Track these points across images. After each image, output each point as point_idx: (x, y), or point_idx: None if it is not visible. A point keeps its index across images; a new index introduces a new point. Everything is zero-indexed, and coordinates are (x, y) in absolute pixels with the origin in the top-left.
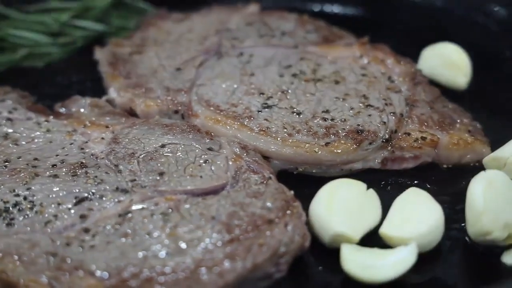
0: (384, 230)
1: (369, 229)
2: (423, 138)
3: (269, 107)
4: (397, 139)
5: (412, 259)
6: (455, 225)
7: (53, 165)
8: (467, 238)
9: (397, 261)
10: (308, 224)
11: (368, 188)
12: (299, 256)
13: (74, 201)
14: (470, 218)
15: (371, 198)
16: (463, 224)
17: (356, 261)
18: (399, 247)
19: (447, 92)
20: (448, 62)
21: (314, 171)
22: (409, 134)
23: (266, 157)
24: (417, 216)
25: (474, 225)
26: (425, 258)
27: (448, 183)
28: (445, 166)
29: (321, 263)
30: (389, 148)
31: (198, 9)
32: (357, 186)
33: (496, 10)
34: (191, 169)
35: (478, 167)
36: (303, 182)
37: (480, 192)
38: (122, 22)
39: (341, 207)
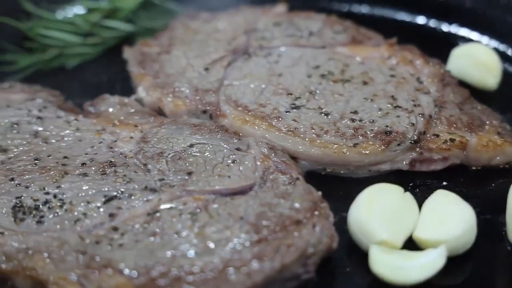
0: (417, 233)
1: (409, 234)
2: (452, 140)
3: (297, 107)
4: (426, 140)
5: (441, 261)
6: (487, 228)
7: (83, 164)
8: (507, 244)
9: (426, 263)
10: (346, 229)
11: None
12: (327, 257)
13: (103, 199)
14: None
15: (409, 202)
16: (497, 227)
17: (385, 262)
18: (428, 249)
19: (476, 93)
20: (477, 62)
21: (342, 171)
22: (437, 135)
23: (294, 158)
24: (449, 218)
25: None
26: (458, 261)
27: (477, 184)
28: (474, 168)
29: (349, 265)
30: (418, 149)
31: (226, 9)
32: (395, 191)
33: None
34: (219, 169)
35: (508, 169)
36: (331, 183)
37: None
38: (150, 22)
39: (381, 213)
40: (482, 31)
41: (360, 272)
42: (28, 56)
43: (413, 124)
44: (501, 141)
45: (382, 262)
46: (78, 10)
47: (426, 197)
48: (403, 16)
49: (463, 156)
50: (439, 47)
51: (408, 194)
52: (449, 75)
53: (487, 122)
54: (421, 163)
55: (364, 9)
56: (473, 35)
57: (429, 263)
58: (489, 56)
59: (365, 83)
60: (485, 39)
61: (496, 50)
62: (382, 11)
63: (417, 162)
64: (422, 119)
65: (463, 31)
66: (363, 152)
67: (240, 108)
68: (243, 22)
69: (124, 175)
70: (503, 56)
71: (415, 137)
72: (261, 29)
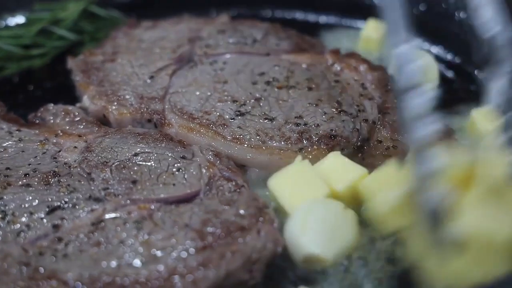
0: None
1: (343, 249)
2: (394, 147)
3: (242, 114)
4: (368, 146)
5: None
6: None
7: (26, 174)
8: None
9: None
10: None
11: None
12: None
13: (47, 210)
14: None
15: (348, 218)
16: None
17: None
18: None
19: None
20: None
21: None
22: (380, 141)
23: (242, 165)
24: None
25: None
26: None
27: None
28: None
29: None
30: (360, 155)
31: (167, 18)
32: (334, 206)
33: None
34: (164, 177)
35: None
36: None
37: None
38: (93, 32)
39: (315, 228)
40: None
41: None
42: None
43: (357, 130)
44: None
45: None
46: (19, 20)
47: None
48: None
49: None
50: None
51: (350, 210)
52: (393, 80)
53: None
54: None
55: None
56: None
57: None
58: (426, 60)
59: (310, 88)
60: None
61: (430, 52)
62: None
63: None
64: (366, 125)
65: None
66: (308, 156)
67: (185, 116)
68: (186, 30)
69: (68, 185)
70: (438, 59)
71: (359, 143)
72: (205, 37)
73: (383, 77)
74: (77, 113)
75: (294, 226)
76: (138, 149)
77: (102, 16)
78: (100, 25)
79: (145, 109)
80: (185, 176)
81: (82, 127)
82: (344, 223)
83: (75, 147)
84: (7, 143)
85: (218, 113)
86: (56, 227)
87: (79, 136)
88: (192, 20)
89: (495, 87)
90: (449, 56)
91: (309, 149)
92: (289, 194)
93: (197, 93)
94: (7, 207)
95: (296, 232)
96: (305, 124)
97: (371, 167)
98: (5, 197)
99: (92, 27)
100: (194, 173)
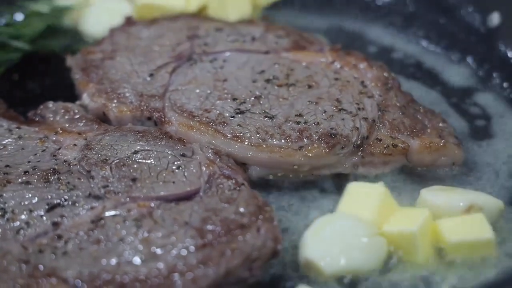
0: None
1: (347, 270)
2: (394, 145)
3: (242, 112)
4: (368, 145)
5: None
6: None
7: (25, 172)
8: None
9: None
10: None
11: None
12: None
13: (47, 207)
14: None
15: (373, 243)
16: None
17: None
18: None
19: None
20: None
21: (291, 175)
22: (380, 140)
23: (243, 163)
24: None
25: None
26: None
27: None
28: (419, 168)
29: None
30: (360, 153)
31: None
32: (362, 226)
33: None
34: (164, 175)
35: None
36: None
37: None
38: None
39: (327, 237)
40: None
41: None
42: None
43: (357, 128)
44: (443, 143)
45: None
46: None
47: None
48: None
49: (405, 160)
50: None
51: (380, 238)
52: (392, 78)
53: (429, 125)
54: (363, 166)
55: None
56: None
57: None
58: None
59: (310, 86)
60: None
61: None
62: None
63: (359, 165)
64: (365, 123)
65: None
66: (308, 154)
67: (185, 114)
68: (185, 28)
69: (68, 182)
70: None
71: (359, 141)
72: (203, 35)
73: (383, 75)
74: (77, 111)
75: (311, 229)
76: (138, 147)
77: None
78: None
79: (145, 107)
80: (185, 174)
81: (82, 124)
82: (363, 246)
83: (75, 144)
84: (6, 141)
85: (218, 111)
86: (55, 224)
87: (79, 133)
88: (189, 18)
89: None
90: None
91: (309, 148)
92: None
93: (197, 91)
94: (6, 205)
95: (308, 234)
96: (305, 122)
97: (370, 165)
98: (4, 194)
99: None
100: (194, 171)
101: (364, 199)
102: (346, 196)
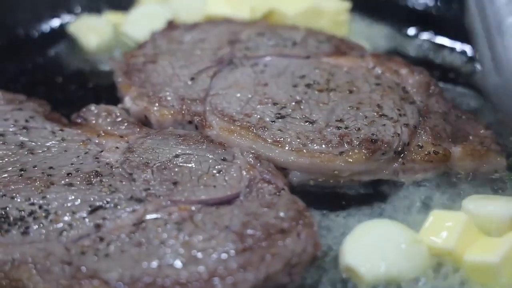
0: None
1: (389, 276)
2: (436, 152)
3: (282, 117)
4: (409, 151)
5: None
6: None
7: (68, 174)
8: None
9: None
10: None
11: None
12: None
13: (89, 209)
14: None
15: (414, 249)
16: None
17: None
18: None
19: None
20: None
21: (331, 181)
22: (421, 146)
23: (284, 168)
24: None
25: None
26: None
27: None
28: (459, 175)
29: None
30: (400, 160)
31: None
32: (405, 233)
33: None
34: (204, 178)
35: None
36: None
37: None
38: None
39: (369, 244)
40: None
41: None
42: None
43: (398, 135)
44: (485, 150)
45: None
46: None
47: None
48: None
49: (446, 167)
50: None
51: (422, 244)
52: (434, 84)
53: (471, 132)
54: (403, 173)
55: None
56: None
57: None
58: None
59: (350, 91)
60: None
61: None
62: None
63: (400, 172)
64: (406, 129)
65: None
66: (349, 160)
67: (226, 119)
68: (226, 32)
69: (110, 185)
70: None
71: (400, 148)
72: (244, 39)
73: (425, 81)
74: (119, 114)
75: (351, 235)
76: (179, 151)
77: None
78: None
79: (186, 111)
80: (226, 178)
81: (123, 127)
82: (402, 252)
83: (117, 147)
84: (50, 143)
85: (258, 116)
86: (98, 226)
87: (121, 136)
88: (231, 22)
89: None
90: None
91: (350, 153)
92: None
93: (238, 95)
94: (50, 206)
95: (348, 240)
96: (346, 128)
97: (411, 172)
98: (48, 196)
99: None
100: (234, 175)
101: (446, 226)
102: (428, 223)
